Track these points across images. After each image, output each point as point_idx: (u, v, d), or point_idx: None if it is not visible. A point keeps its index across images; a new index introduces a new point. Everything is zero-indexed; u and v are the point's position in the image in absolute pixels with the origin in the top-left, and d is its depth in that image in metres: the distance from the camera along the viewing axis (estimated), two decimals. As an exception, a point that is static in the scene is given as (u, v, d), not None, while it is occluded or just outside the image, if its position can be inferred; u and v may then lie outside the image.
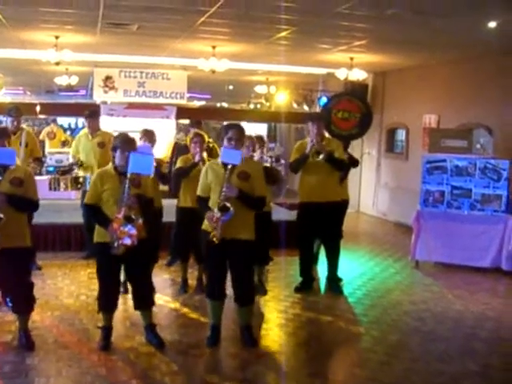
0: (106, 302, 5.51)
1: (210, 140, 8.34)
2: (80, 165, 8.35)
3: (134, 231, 5.20)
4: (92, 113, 8.68)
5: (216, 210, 5.39)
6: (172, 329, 6.11)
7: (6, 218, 5.00)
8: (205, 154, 7.07)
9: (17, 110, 7.82)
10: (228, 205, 5.33)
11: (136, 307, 5.63)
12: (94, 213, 5.47)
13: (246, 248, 5.55)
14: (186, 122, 15.63)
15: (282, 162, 7.88)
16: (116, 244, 5.22)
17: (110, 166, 5.55)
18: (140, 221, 5.27)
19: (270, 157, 7.46)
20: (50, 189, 8.90)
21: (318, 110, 14.38)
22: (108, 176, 5.43)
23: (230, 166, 5.40)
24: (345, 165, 7.47)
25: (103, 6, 7.63)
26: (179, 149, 10.72)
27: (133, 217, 5.21)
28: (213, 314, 5.72)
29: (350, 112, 13.14)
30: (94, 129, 8.50)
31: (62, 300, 6.91)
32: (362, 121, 13.26)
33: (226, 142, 5.54)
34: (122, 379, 4.89)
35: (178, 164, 7.20)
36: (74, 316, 6.35)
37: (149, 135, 7.40)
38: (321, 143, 7.18)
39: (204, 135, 7.27)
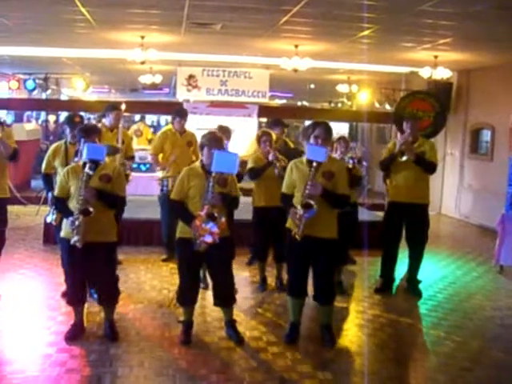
0: (185, 296, 5.63)
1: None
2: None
3: (215, 229, 5.25)
4: (186, 112, 8.81)
5: (299, 207, 5.35)
6: (251, 326, 6.15)
7: (95, 212, 5.16)
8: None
9: (120, 106, 8.00)
10: (311, 202, 5.27)
11: (216, 304, 5.70)
12: (178, 209, 5.56)
13: (328, 247, 5.52)
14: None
15: (364, 163, 7.61)
16: (198, 241, 5.31)
17: (198, 163, 5.65)
18: (223, 219, 5.32)
19: (351, 158, 7.09)
20: None
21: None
22: (195, 173, 5.51)
23: (315, 164, 5.32)
24: (434, 167, 7.18)
25: (188, 6, 7.78)
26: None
27: (215, 215, 5.25)
28: (293, 312, 5.75)
29: (424, 111, 12.86)
30: (184, 128, 8.64)
31: (145, 294, 7.07)
32: (436, 120, 12.96)
33: (312, 140, 5.49)
34: (201, 373, 4.96)
35: (250, 164, 7.12)
36: (156, 309, 6.50)
37: (224, 131, 7.43)
38: (408, 144, 7.03)
39: (272, 133, 7.14)
